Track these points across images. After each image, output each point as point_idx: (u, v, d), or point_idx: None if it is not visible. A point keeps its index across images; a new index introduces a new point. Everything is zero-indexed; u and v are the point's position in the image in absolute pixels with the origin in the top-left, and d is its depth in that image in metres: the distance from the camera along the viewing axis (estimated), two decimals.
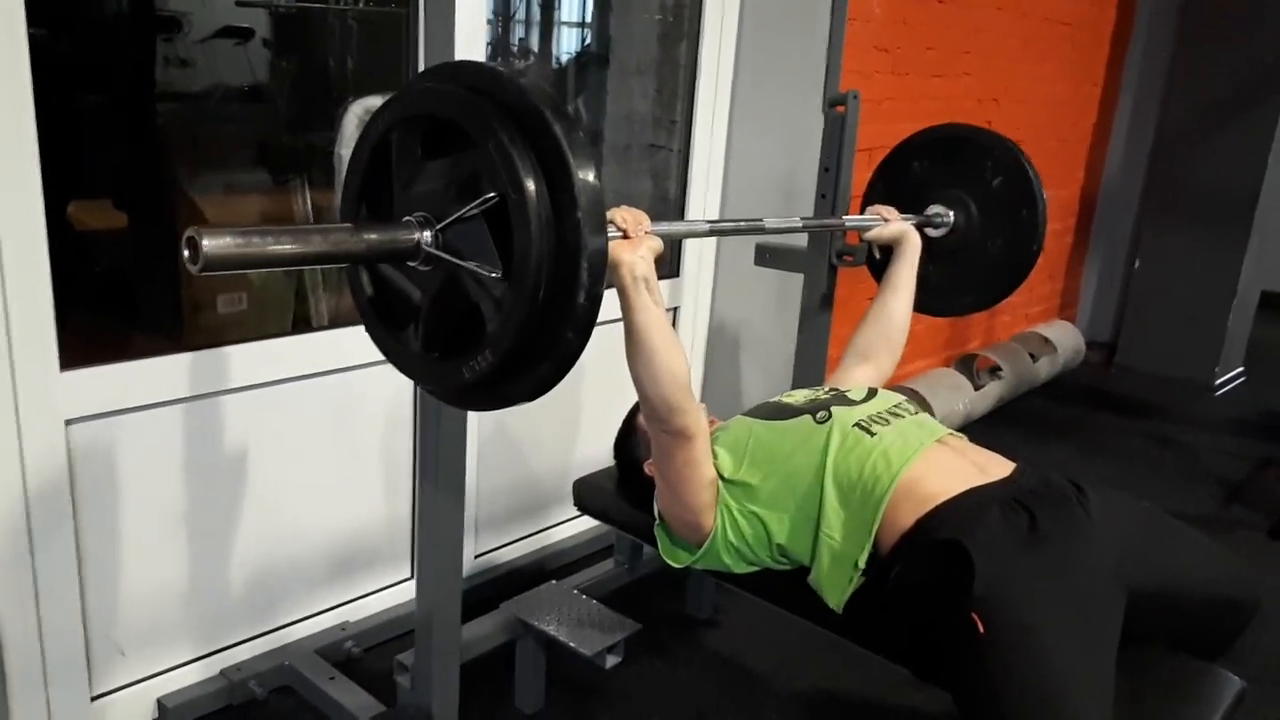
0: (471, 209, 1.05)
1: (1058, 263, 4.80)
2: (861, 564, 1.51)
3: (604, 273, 1.03)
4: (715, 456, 1.62)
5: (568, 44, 3.30)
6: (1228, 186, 4.33)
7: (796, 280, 2.35)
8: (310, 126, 2.53)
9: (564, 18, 3.27)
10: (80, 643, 1.83)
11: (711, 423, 1.86)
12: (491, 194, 1.04)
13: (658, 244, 1.42)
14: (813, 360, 2.35)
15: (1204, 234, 4.42)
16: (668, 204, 2.93)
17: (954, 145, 2.21)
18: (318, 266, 0.98)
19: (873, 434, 1.57)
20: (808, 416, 1.64)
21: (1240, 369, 4.75)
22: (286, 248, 0.99)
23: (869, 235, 2.05)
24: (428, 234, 1.09)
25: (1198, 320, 4.51)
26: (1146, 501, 1.60)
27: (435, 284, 1.13)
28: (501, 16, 3.02)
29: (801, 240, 2.29)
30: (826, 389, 1.79)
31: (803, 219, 1.89)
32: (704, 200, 2.87)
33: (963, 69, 3.48)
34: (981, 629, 1.32)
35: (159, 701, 1.95)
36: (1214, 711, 1.45)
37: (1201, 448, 3.85)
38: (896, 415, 1.65)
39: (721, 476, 1.60)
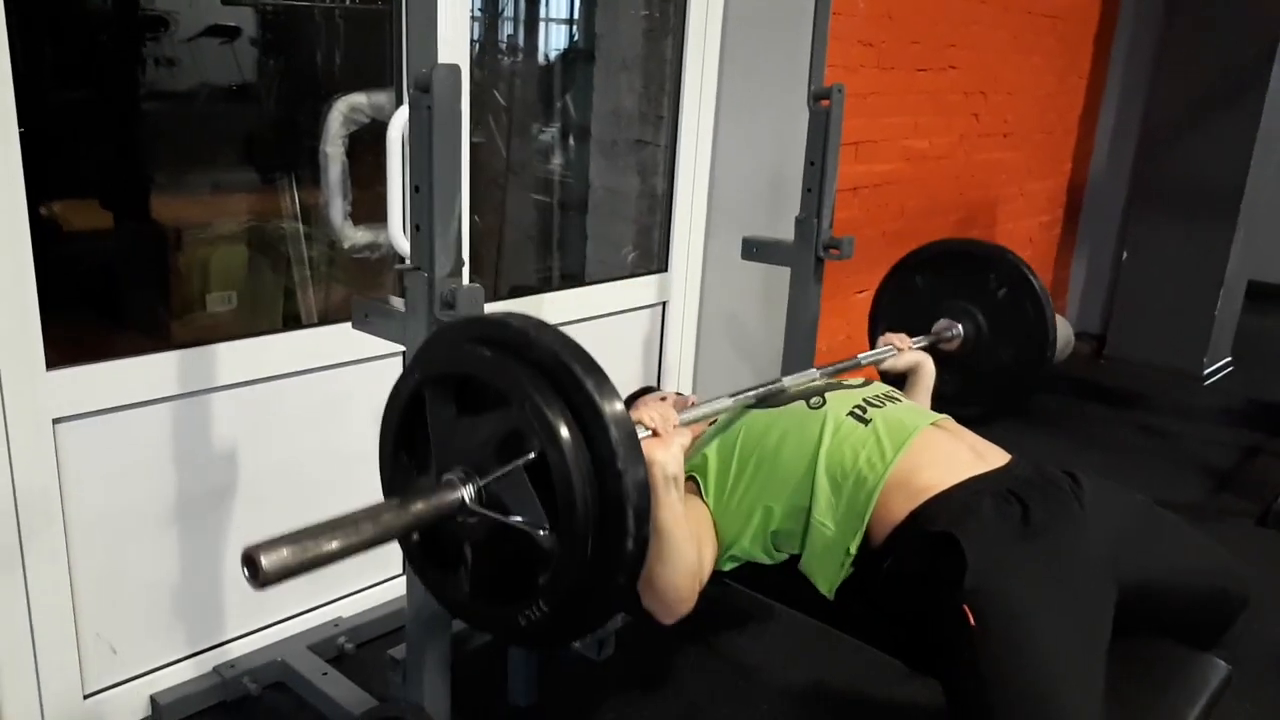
0: (513, 466, 1.07)
1: (1046, 255, 4.82)
2: (853, 550, 1.51)
3: (649, 515, 1.06)
4: (706, 448, 1.63)
5: (554, 40, 3.30)
6: (1214, 177, 4.35)
7: (784, 273, 2.36)
8: (297, 124, 2.53)
9: (550, 14, 3.28)
10: (71, 641, 1.83)
11: (697, 433, 1.87)
12: (530, 453, 1.06)
13: (687, 437, 1.44)
14: (800, 352, 2.36)
15: (1191, 224, 4.44)
16: (655, 199, 2.94)
17: (954, 259, 2.27)
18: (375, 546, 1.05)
19: (866, 421, 1.58)
20: (801, 402, 1.65)
21: (1228, 359, 4.78)
22: (339, 543, 1.03)
23: (884, 367, 2.08)
24: (470, 490, 1.12)
25: (1186, 311, 4.54)
26: (1140, 494, 1.61)
27: (482, 534, 1.15)
28: (487, 13, 3.02)
29: (788, 234, 2.30)
30: (820, 376, 1.79)
31: (819, 369, 1.85)
32: (691, 195, 2.88)
33: (948, 62, 3.49)
34: (972, 621, 1.32)
35: (152, 699, 1.96)
36: (1200, 696, 1.46)
37: (1190, 437, 3.87)
38: (891, 399, 1.66)
39: (707, 475, 1.60)
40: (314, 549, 1.00)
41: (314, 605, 2.23)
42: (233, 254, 2.46)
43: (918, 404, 1.98)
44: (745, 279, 2.79)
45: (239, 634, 2.10)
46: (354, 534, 1.05)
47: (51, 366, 1.69)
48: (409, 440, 1.25)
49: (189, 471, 1.95)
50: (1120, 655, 1.45)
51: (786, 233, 2.31)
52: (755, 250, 2.40)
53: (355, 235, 2.34)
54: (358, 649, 2.19)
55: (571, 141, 3.21)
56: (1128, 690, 1.43)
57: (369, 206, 2.32)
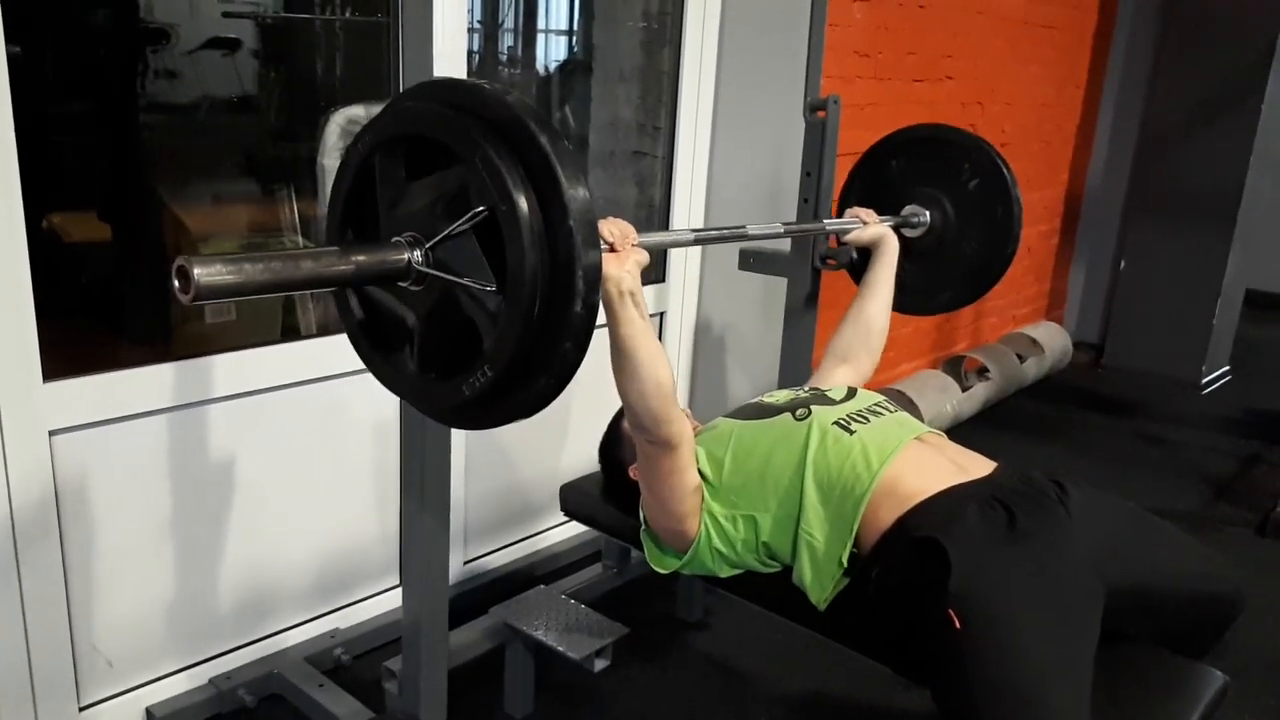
0: (462, 224, 1.04)
1: (1044, 264, 4.83)
2: (844, 561, 1.52)
3: (599, 282, 1.03)
4: (698, 460, 1.63)
5: (552, 52, 3.31)
6: (1211, 186, 4.36)
7: (780, 284, 2.37)
8: (296, 136, 2.54)
9: (549, 26, 3.29)
10: (67, 653, 1.83)
11: (695, 428, 1.88)
12: (481, 208, 1.03)
13: (644, 256, 1.43)
14: (797, 363, 2.36)
15: (1188, 233, 4.45)
16: (652, 210, 2.94)
17: (932, 146, 2.23)
18: (308, 291, 0.98)
19: (852, 431, 1.59)
20: (788, 414, 1.65)
21: (1226, 367, 4.78)
22: (276, 274, 0.98)
23: (848, 238, 2.07)
24: (418, 253, 1.09)
25: (1184, 320, 4.54)
26: (1131, 501, 1.61)
27: (428, 304, 1.12)
28: (485, 25, 3.03)
29: (785, 245, 2.31)
30: (807, 388, 1.80)
31: (784, 224, 1.92)
32: (688, 206, 2.89)
33: (945, 73, 3.51)
34: (958, 625, 1.33)
35: (148, 711, 1.95)
36: (1196, 706, 1.46)
37: (1189, 446, 3.87)
38: (876, 413, 1.67)
39: (705, 480, 1.61)
40: (249, 272, 0.95)
41: (310, 617, 2.23)
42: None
43: (879, 281, 2.01)
44: (742, 289, 2.80)
45: (235, 645, 2.10)
46: (292, 268, 1.01)
47: (48, 378, 1.70)
48: (357, 215, 1.20)
49: (186, 483, 1.95)
50: (1118, 665, 1.45)
51: (783, 244, 2.32)
52: (752, 261, 2.41)
53: None
54: (354, 660, 2.19)
55: None
56: (1125, 700, 1.43)
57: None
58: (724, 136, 2.88)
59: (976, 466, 1.58)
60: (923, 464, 1.55)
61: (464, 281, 1.07)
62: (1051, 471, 1.58)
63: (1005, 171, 2.14)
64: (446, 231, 1.06)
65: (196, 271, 0.90)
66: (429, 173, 1.11)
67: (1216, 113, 4.33)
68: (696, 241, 1.66)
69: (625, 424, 1.81)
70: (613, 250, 1.37)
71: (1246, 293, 4.76)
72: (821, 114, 2.20)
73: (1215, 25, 4.31)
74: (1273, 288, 5.88)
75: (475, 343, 1.09)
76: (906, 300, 2.12)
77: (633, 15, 2.92)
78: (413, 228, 1.10)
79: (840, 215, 2.23)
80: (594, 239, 1.02)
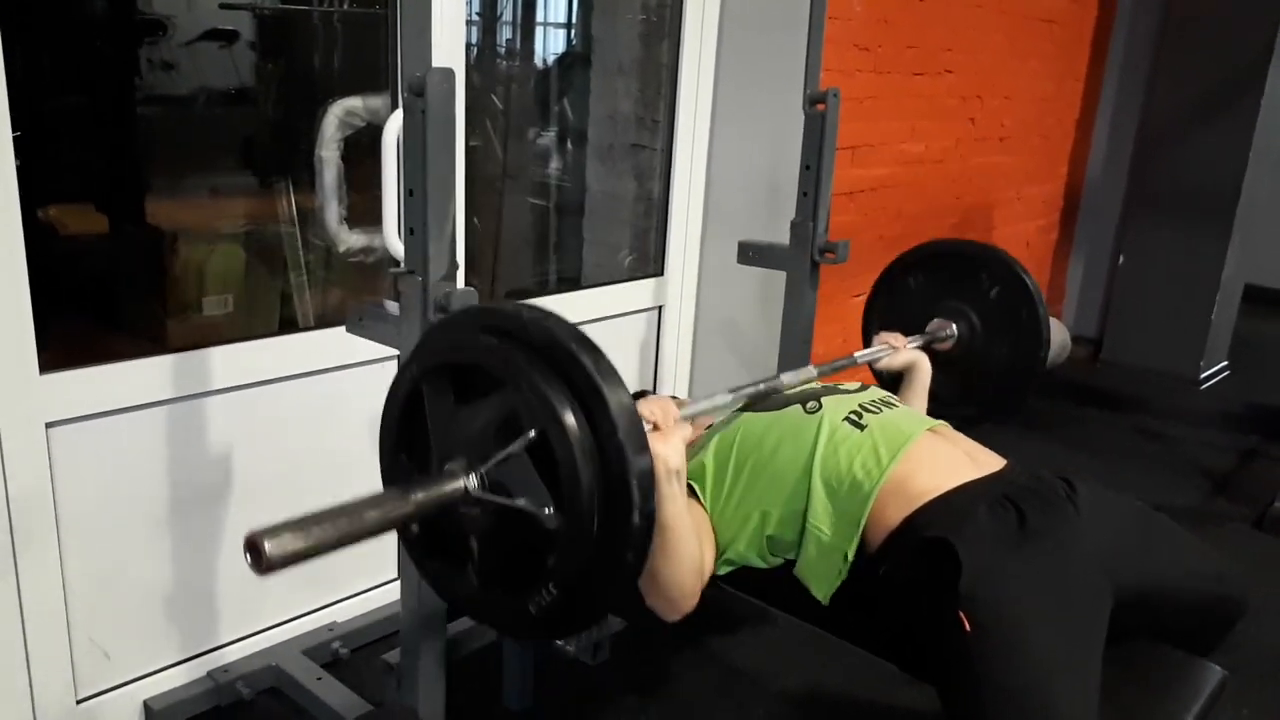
0: (514, 448, 1.07)
1: (1043, 259, 4.82)
2: (850, 556, 1.51)
3: (653, 490, 1.05)
4: (703, 453, 1.63)
5: (551, 45, 3.31)
6: (1210, 181, 4.36)
7: (779, 277, 2.36)
8: (294, 128, 2.53)
9: (548, 18, 3.28)
10: (64, 646, 1.82)
11: (703, 429, 1.87)
12: (531, 432, 1.06)
13: (688, 431, 1.43)
14: (796, 356, 2.35)
15: (1187, 228, 4.44)
16: (651, 203, 2.94)
17: (946, 260, 2.28)
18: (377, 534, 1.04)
19: (862, 426, 1.58)
20: (797, 406, 1.64)
21: (1225, 362, 4.78)
22: (343, 530, 1.02)
23: (879, 366, 2.08)
24: (474, 478, 1.11)
25: (1182, 315, 4.54)
26: (1137, 500, 1.61)
27: (486, 524, 1.15)
28: (484, 17, 3.02)
29: (784, 238, 2.30)
30: (818, 379, 1.80)
31: (816, 367, 1.85)
32: (687, 199, 2.88)
33: (945, 66, 3.50)
34: (968, 626, 1.32)
35: (145, 704, 1.95)
36: (1195, 701, 1.46)
37: (1187, 441, 3.87)
38: (888, 404, 1.66)
39: (705, 480, 1.60)
40: (317, 535, 0.99)
41: (308, 610, 2.23)
42: (229, 258, 2.46)
43: (914, 405, 1.98)
44: (741, 283, 2.79)
45: (233, 639, 2.10)
46: (357, 522, 1.04)
47: (45, 370, 1.69)
48: (408, 440, 1.24)
49: (183, 475, 1.94)
50: (1118, 660, 1.45)
51: (782, 237, 2.31)
52: (751, 254, 2.40)
53: (350, 239, 2.34)
54: (352, 653, 2.18)
55: (568, 145, 3.21)
56: (1125, 695, 1.43)
57: (364, 210, 2.32)
58: (723, 130, 2.87)
59: (988, 460, 1.58)
60: (935, 458, 1.54)
61: (520, 504, 1.09)
62: (1051, 466, 1.57)
63: (1024, 277, 2.19)
64: (500, 456, 1.08)
65: (267, 546, 0.94)
66: (476, 397, 1.14)
67: (1216, 108, 4.33)
68: (734, 400, 1.67)
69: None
70: (656, 429, 1.37)
71: (1245, 288, 4.76)
72: (821, 107, 2.19)
73: (1215, 20, 4.30)
74: (1271, 283, 5.88)
75: (537, 558, 1.11)
76: (943, 412, 2.11)
77: (632, 8, 2.91)
78: (465, 452, 1.13)
79: (866, 341, 2.25)
80: (644, 447, 1.04)
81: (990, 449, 1.64)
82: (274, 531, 0.94)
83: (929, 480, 1.50)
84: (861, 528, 1.50)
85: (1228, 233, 4.35)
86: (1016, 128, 4.13)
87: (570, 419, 1.03)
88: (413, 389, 1.20)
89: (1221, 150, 4.31)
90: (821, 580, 1.55)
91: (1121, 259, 4.71)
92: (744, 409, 1.72)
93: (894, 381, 2.11)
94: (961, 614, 1.33)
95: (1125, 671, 1.47)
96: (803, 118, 2.22)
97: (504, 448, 1.08)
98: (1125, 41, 4.71)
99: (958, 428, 1.71)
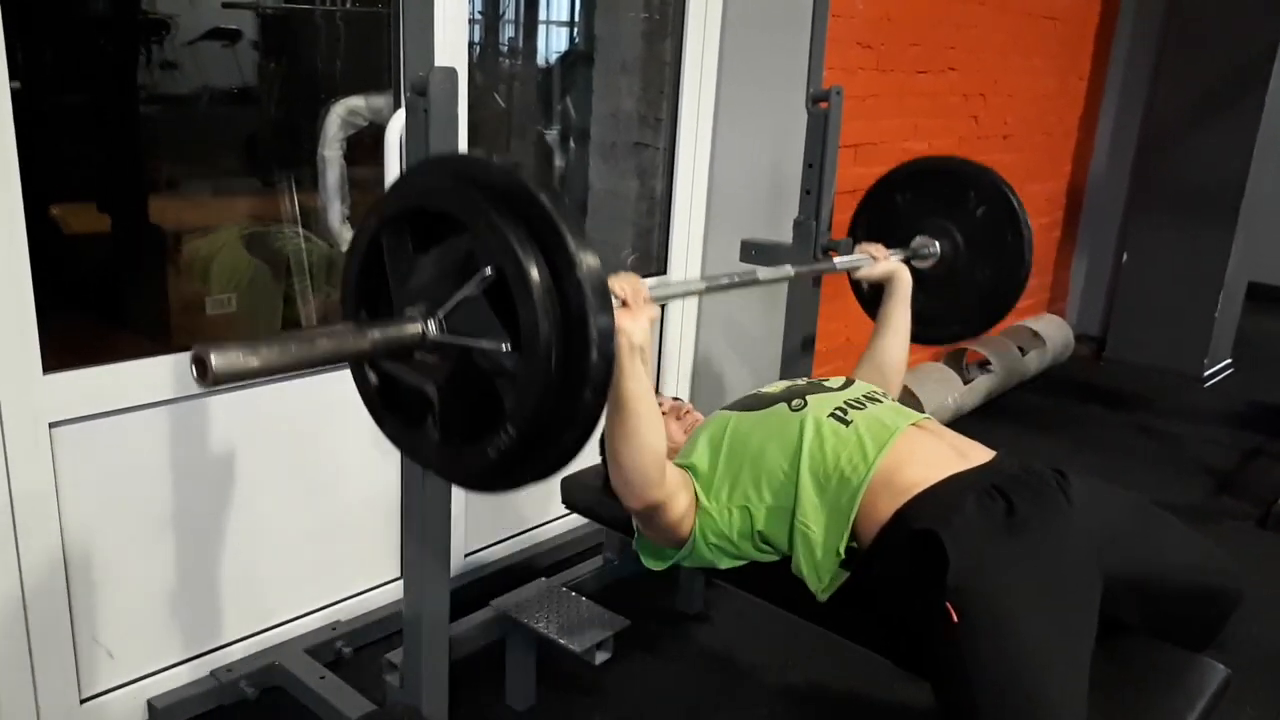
0: (471, 287, 1.06)
1: (1046, 257, 4.82)
2: (842, 552, 1.51)
3: (613, 331, 1.03)
4: (693, 454, 1.63)
5: (554, 43, 3.31)
6: (1214, 179, 4.35)
7: None
8: (297, 127, 2.53)
9: (550, 17, 3.28)
10: (68, 645, 1.83)
11: (695, 421, 1.87)
12: (488, 270, 1.04)
13: (656, 312, 1.42)
14: (799, 356, 2.36)
15: (1191, 226, 4.44)
16: (654, 201, 2.93)
17: (936, 177, 2.24)
18: (326, 366, 1.00)
19: (848, 421, 1.58)
20: (783, 405, 1.64)
21: (1228, 360, 4.77)
22: (292, 355, 1.00)
23: (859, 275, 2.07)
24: (431, 322, 1.10)
25: (1185, 312, 4.53)
26: (1133, 491, 1.61)
27: (445, 371, 1.13)
28: (486, 16, 3.02)
29: (787, 237, 2.30)
30: (804, 379, 1.80)
31: (794, 266, 1.89)
32: (690, 198, 2.88)
33: (948, 64, 3.49)
34: (955, 618, 1.32)
35: (149, 703, 1.95)
36: (1199, 700, 1.46)
37: (1190, 439, 3.87)
38: (873, 400, 1.66)
39: (698, 473, 1.61)
40: (265, 355, 0.96)
41: (311, 609, 2.23)
42: (232, 257, 2.46)
43: (896, 318, 2.00)
44: None
45: (236, 638, 2.10)
46: (307, 348, 1.02)
47: (48, 370, 1.69)
48: (370, 298, 1.22)
49: (186, 475, 1.95)
50: (1120, 659, 1.45)
51: (785, 235, 2.31)
52: (754, 252, 2.40)
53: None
54: (355, 653, 2.19)
55: (571, 144, 3.21)
56: (1128, 694, 1.43)
57: (368, 209, 2.32)
58: (726, 128, 2.87)
59: (976, 453, 1.58)
60: (921, 451, 1.54)
61: (479, 344, 1.08)
62: (1054, 464, 1.57)
63: (1012, 197, 2.14)
64: (457, 297, 1.07)
65: (213, 359, 0.91)
66: (436, 244, 1.13)
67: (1219, 105, 4.32)
68: (708, 289, 1.66)
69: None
70: (624, 305, 1.36)
71: (1249, 285, 4.75)
72: (824, 105, 2.19)
73: (1218, 18, 4.29)
74: (1275, 280, 5.87)
75: (496, 405, 1.10)
76: (921, 331, 2.09)
77: (634, 6, 2.91)
78: (424, 299, 1.12)
79: (849, 250, 2.23)
80: (603, 292, 1.03)
81: (992, 444, 1.64)
82: (222, 346, 0.91)
83: (917, 473, 1.50)
84: (851, 522, 1.50)
85: (1231, 230, 4.35)
86: (1019, 126, 4.12)
87: (528, 256, 1.02)
88: (372, 242, 1.18)
89: (1225, 147, 4.30)
90: (815, 577, 1.55)
91: (1125, 257, 4.71)
92: (730, 408, 1.72)
93: (875, 294, 2.10)
94: (949, 605, 1.33)
95: (1127, 670, 1.47)
96: (805, 116, 2.22)
97: (461, 288, 1.07)
98: (1128, 39, 4.70)
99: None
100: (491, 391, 1.10)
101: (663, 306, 2.92)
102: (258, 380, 2.00)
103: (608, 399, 1.35)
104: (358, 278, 1.22)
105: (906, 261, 2.11)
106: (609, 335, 1.03)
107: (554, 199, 1.03)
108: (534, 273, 1.01)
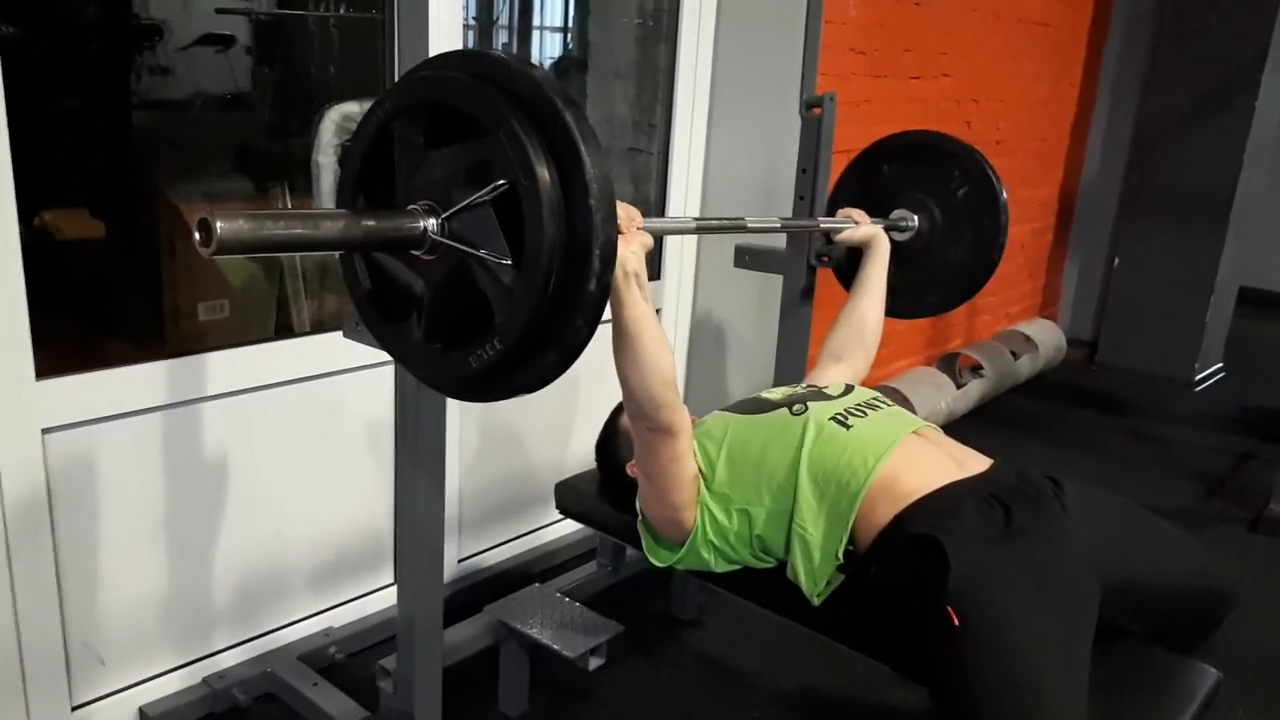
0: (481, 196, 1.03)
1: (1038, 261, 4.84)
2: (839, 557, 1.52)
3: (614, 261, 1.02)
4: (694, 454, 1.63)
5: (548, 49, 3.31)
6: (1205, 184, 4.38)
7: (776, 281, 2.37)
8: (290, 132, 2.53)
9: (544, 22, 3.28)
10: (60, 652, 1.82)
11: (692, 421, 1.87)
12: (502, 181, 1.02)
13: (648, 240, 1.43)
14: (793, 360, 2.36)
15: (1182, 231, 4.46)
16: (648, 206, 2.94)
17: (924, 151, 2.25)
18: (324, 252, 0.98)
19: (848, 427, 1.58)
20: (784, 410, 1.65)
21: (1219, 364, 4.79)
22: (295, 231, 0.99)
23: (840, 237, 2.08)
24: (434, 221, 1.08)
25: (1177, 317, 4.56)
26: (1124, 497, 1.62)
27: (440, 274, 1.11)
28: (480, 22, 3.03)
29: (780, 242, 2.31)
30: (804, 385, 1.80)
31: (780, 219, 1.94)
32: (684, 203, 2.88)
33: (941, 70, 3.51)
34: (956, 622, 1.33)
35: (141, 710, 1.95)
36: (1190, 703, 1.46)
37: (1182, 443, 3.89)
38: (874, 407, 1.67)
39: (700, 473, 1.61)
40: (270, 228, 0.96)
41: (305, 615, 2.23)
42: (225, 263, 2.46)
43: (873, 278, 2.03)
44: (738, 286, 2.80)
45: (228, 645, 2.10)
46: (310, 227, 1.01)
47: (41, 376, 1.69)
48: (371, 183, 1.19)
49: (179, 481, 1.94)
50: (1112, 662, 1.45)
51: (778, 241, 2.32)
52: (747, 258, 2.41)
53: None
54: (348, 659, 2.18)
55: None
56: (1120, 697, 1.43)
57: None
58: (720, 133, 2.87)
59: (973, 462, 1.59)
60: (920, 460, 1.55)
61: (480, 253, 1.05)
62: (1046, 468, 1.58)
63: (995, 182, 2.16)
64: (465, 202, 1.05)
65: (219, 224, 0.90)
66: (449, 143, 1.10)
67: (1210, 111, 4.34)
68: (697, 229, 1.68)
69: (623, 419, 1.80)
70: (619, 232, 1.37)
71: (1239, 290, 4.78)
72: (817, 111, 2.20)
73: (1209, 23, 4.32)
74: (1266, 285, 5.90)
75: (485, 316, 1.08)
76: (892, 303, 2.12)
77: (628, 12, 2.92)
78: (430, 197, 1.09)
79: (830, 213, 2.24)
80: (612, 218, 1.01)
81: (985, 449, 1.65)
82: (228, 215, 0.91)
83: (916, 480, 1.50)
84: (850, 528, 1.51)
85: (1222, 235, 4.37)
86: (1012, 131, 4.14)
87: (544, 172, 1.00)
88: (383, 127, 1.15)
89: (1216, 153, 4.33)
90: (811, 581, 1.55)
91: (1117, 262, 4.73)
92: (729, 410, 1.73)
93: (850, 265, 2.13)
94: (950, 610, 1.33)
95: (1119, 673, 1.47)
96: (799, 121, 2.23)
97: (471, 195, 1.04)
98: (1119, 45, 4.73)
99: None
100: (482, 302, 1.08)
101: (657, 313, 2.93)
102: (251, 386, 2.00)
103: (614, 329, 1.36)
104: (363, 160, 1.19)
105: (885, 231, 2.13)
106: (610, 264, 1.02)
107: (578, 117, 1.01)
108: (548, 193, 1.00)
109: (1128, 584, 1.48)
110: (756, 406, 1.71)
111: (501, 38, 3.21)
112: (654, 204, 2.91)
